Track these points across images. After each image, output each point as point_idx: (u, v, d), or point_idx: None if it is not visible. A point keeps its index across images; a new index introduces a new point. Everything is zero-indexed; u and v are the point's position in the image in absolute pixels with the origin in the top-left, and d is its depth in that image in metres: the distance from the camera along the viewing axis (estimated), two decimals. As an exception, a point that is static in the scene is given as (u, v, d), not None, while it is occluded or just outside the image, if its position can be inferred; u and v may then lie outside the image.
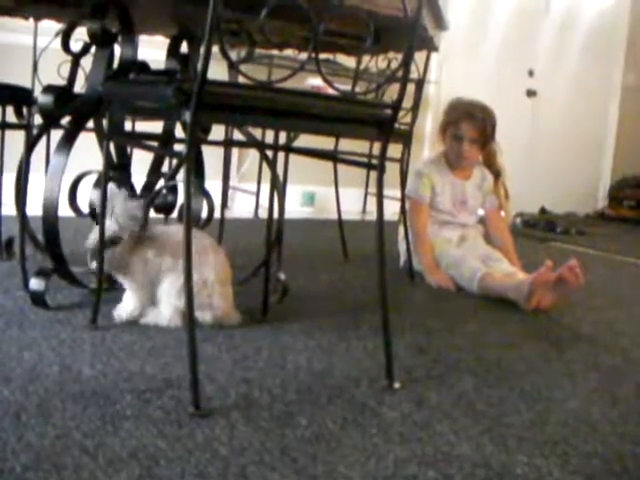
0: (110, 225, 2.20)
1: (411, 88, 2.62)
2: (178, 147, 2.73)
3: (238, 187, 5.70)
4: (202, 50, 1.58)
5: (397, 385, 1.91)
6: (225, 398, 1.73)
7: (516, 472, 1.49)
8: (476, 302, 3.07)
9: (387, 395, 1.85)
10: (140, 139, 2.83)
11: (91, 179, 2.57)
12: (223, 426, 1.56)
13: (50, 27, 2.89)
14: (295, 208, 5.89)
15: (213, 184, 3.20)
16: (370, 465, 1.46)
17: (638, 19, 8.26)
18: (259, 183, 5.37)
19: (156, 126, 2.81)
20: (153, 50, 3.23)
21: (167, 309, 2.23)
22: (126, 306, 2.27)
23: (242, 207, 5.67)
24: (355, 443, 1.55)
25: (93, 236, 2.20)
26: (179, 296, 2.21)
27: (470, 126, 3.46)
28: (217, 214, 3.01)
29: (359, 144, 3.28)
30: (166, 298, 2.24)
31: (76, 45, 2.54)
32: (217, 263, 2.27)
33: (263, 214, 4.89)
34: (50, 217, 2.31)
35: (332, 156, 3.31)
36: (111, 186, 2.20)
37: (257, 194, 5.42)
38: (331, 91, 1.89)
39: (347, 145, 3.59)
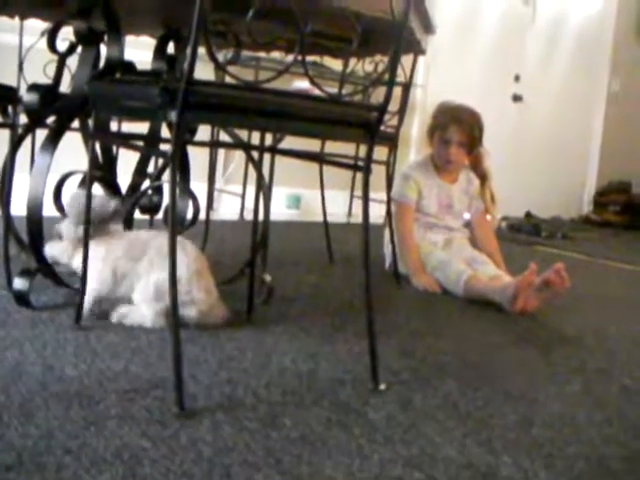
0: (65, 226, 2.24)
1: (398, 91, 2.62)
2: (164, 147, 2.73)
3: (224, 189, 5.69)
4: (189, 47, 1.58)
5: (382, 387, 1.91)
6: (209, 398, 1.72)
7: (502, 474, 1.49)
8: (461, 305, 3.07)
9: (372, 397, 1.84)
10: (126, 139, 2.82)
11: (76, 179, 2.56)
12: (207, 426, 1.56)
13: (36, 26, 2.88)
14: (281, 210, 5.88)
15: (199, 186, 3.19)
16: (355, 466, 1.45)
17: (623, 26, 8.30)
18: (245, 185, 5.36)
19: (142, 127, 2.80)
20: (140, 51, 3.22)
21: (148, 310, 2.23)
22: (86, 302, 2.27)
23: (228, 209, 5.66)
24: (340, 444, 1.55)
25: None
26: (156, 297, 2.21)
27: (458, 130, 3.46)
28: (202, 215, 3.00)
29: (345, 147, 3.28)
30: (144, 299, 2.24)
31: (62, 44, 2.53)
32: (187, 258, 2.25)
33: (249, 216, 4.88)
34: (35, 217, 2.29)
35: (318, 157, 3.31)
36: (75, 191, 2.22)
37: (243, 196, 5.41)
38: (317, 93, 1.89)
39: (333, 147, 3.59)
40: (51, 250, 2.34)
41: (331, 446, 1.53)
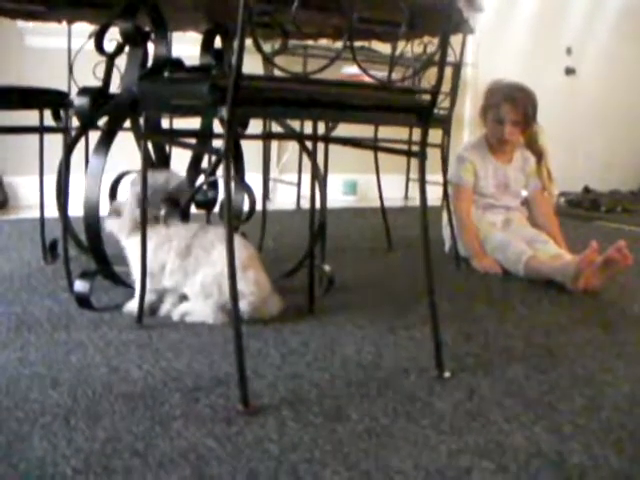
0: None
1: (448, 72, 2.59)
2: (217, 142, 2.73)
3: (279, 179, 5.69)
4: (235, 43, 1.57)
5: (447, 374, 1.89)
6: (274, 394, 1.72)
7: (572, 461, 1.46)
8: (523, 285, 3.03)
9: (437, 385, 1.83)
10: (177, 136, 2.82)
11: (131, 178, 2.57)
12: (273, 423, 1.55)
13: (84, 29, 2.89)
14: (337, 197, 5.86)
15: (254, 176, 3.18)
16: (423, 458, 1.44)
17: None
18: (300, 174, 5.35)
19: (194, 122, 2.80)
20: (187, 46, 3.22)
21: (208, 306, 2.23)
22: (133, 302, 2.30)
23: (284, 198, 5.65)
24: (407, 436, 1.53)
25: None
26: (205, 293, 2.23)
27: (511, 109, 3.41)
28: (259, 206, 3.00)
29: (399, 130, 3.24)
30: (195, 296, 2.25)
31: (110, 45, 2.54)
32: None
33: (305, 204, 4.88)
34: (92, 219, 2.31)
35: (372, 145, 3.28)
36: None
37: (298, 185, 5.41)
38: (368, 79, 1.87)
39: (387, 131, 3.57)
40: (110, 226, 2.38)
41: (398, 438, 1.52)
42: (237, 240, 2.30)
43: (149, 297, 2.28)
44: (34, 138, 2.83)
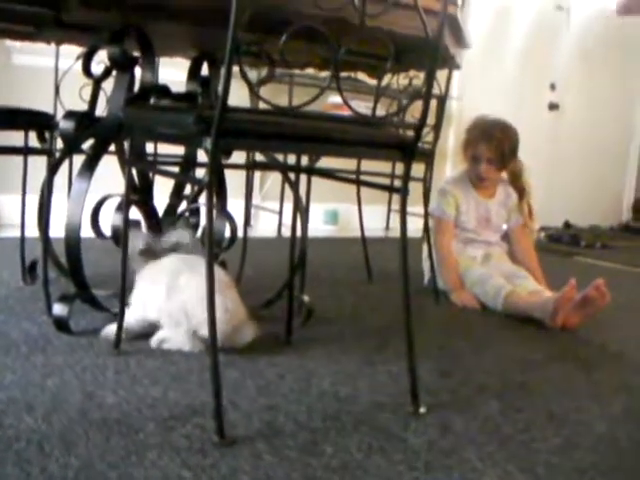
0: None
1: (433, 105, 2.61)
2: (200, 171, 2.73)
3: (261, 206, 5.70)
4: (222, 76, 1.58)
5: (422, 410, 1.89)
6: (249, 426, 1.71)
7: (545, 501, 1.47)
8: (501, 321, 3.05)
9: (413, 421, 1.83)
10: (162, 164, 2.83)
11: (113, 202, 2.57)
12: (247, 456, 1.55)
13: (72, 50, 2.90)
14: (318, 226, 5.87)
15: (235, 203, 3.18)
16: (396, 495, 1.44)
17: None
18: (282, 202, 5.36)
19: (179, 148, 2.81)
20: (174, 70, 3.23)
21: (180, 334, 2.23)
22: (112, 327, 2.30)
23: (265, 226, 5.66)
24: (380, 472, 1.53)
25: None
26: (175, 321, 2.25)
27: (487, 147, 3.43)
28: (240, 233, 3.00)
29: (382, 163, 3.26)
30: (172, 322, 2.25)
31: (98, 68, 2.55)
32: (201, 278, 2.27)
33: (286, 232, 4.88)
34: (73, 242, 2.30)
35: (355, 179, 3.29)
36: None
37: (280, 213, 5.42)
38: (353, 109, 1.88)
39: (370, 164, 3.58)
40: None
41: (371, 474, 1.52)
42: (198, 265, 2.31)
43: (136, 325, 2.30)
44: (18, 157, 2.82)
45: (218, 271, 2.32)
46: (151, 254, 2.38)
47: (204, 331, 2.15)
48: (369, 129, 1.92)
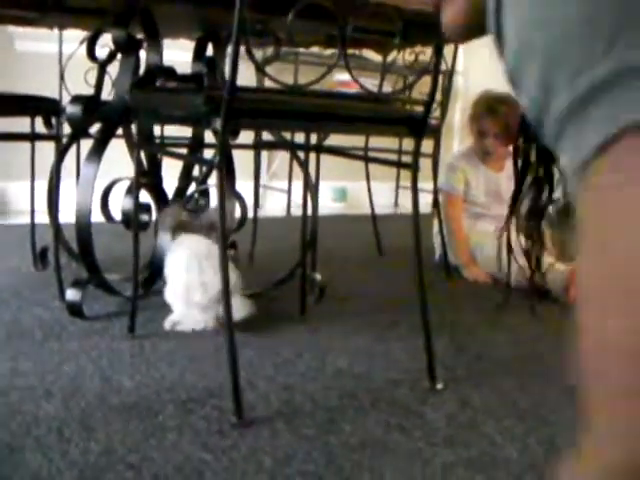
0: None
1: (440, 81, 2.59)
2: (208, 152, 2.73)
3: (269, 185, 5.68)
4: (229, 57, 1.57)
5: (440, 386, 1.89)
6: (267, 406, 1.72)
7: (566, 474, 1.46)
8: (514, 295, 3.03)
9: (430, 396, 1.83)
10: (170, 146, 2.82)
11: (123, 186, 2.56)
12: (266, 436, 1.55)
13: (75, 34, 2.88)
14: (327, 204, 5.84)
15: (244, 184, 3.18)
16: (416, 470, 1.44)
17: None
18: (290, 181, 5.34)
19: (185, 129, 2.80)
20: (179, 52, 3.22)
21: (197, 313, 2.23)
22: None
23: (274, 205, 5.64)
24: (400, 448, 1.53)
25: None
26: (185, 295, 2.26)
27: (492, 121, 3.41)
28: (250, 214, 2.99)
29: (388, 139, 3.25)
30: (181, 299, 2.26)
31: (102, 52, 2.53)
32: (197, 260, 2.28)
33: (296, 211, 4.88)
34: (83, 228, 2.30)
35: (364, 156, 3.28)
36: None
37: (289, 192, 5.39)
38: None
39: (378, 140, 3.57)
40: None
41: (391, 450, 1.52)
42: (195, 239, 2.33)
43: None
44: (25, 143, 2.81)
45: (210, 249, 2.33)
46: (182, 230, 2.39)
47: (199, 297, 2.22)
48: (377, 106, 1.91)
